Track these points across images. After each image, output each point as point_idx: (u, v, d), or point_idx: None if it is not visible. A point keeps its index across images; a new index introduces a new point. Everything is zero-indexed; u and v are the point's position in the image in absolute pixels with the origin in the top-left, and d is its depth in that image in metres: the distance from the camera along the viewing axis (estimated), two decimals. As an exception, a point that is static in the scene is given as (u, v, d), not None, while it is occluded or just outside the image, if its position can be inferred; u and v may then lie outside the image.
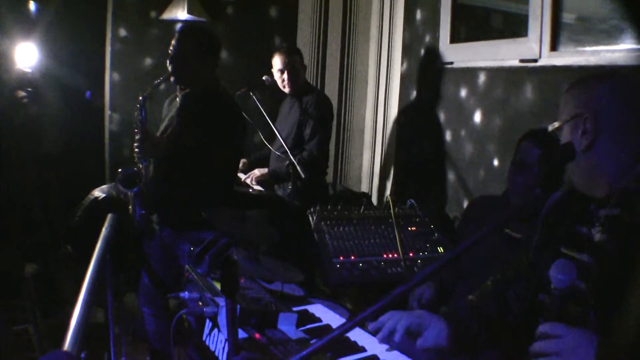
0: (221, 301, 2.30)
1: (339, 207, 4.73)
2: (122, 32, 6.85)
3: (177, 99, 4.75)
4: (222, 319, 2.28)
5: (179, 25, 6.91)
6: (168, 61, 4.62)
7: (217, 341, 2.38)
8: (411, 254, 4.56)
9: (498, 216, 2.36)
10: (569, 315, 2.19)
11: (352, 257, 4.40)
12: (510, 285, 2.66)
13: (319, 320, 2.80)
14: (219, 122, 4.57)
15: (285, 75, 5.99)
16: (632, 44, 3.73)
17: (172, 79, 4.62)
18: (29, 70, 5.70)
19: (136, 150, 4.51)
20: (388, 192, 6.98)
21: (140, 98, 4.53)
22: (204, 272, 2.18)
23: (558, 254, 2.34)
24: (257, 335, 2.27)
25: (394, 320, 2.43)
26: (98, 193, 5.49)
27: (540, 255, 2.48)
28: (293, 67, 5.99)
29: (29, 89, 5.57)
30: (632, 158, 2.23)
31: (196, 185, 4.55)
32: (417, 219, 4.85)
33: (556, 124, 2.42)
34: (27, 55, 5.70)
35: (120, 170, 4.49)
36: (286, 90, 6.09)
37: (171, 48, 4.61)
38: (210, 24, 6.95)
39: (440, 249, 4.71)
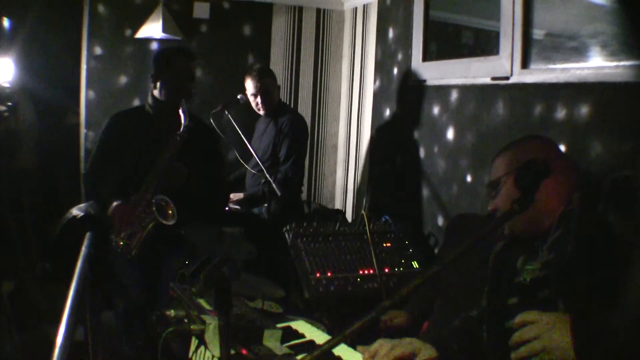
0: (208, 318, 2.34)
1: (315, 224, 4.76)
2: (98, 50, 6.85)
3: None
4: (209, 336, 2.31)
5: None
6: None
7: (204, 359, 2.41)
8: (386, 270, 4.61)
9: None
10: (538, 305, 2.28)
11: (329, 274, 4.44)
12: (479, 322, 2.74)
13: (303, 335, 2.83)
14: None
15: (258, 99, 6.03)
16: (601, 61, 3.79)
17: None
18: (7, 85, 5.67)
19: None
20: (362, 208, 7.01)
21: None
22: (199, 291, 2.21)
23: (522, 269, 2.56)
24: (244, 351, 2.30)
25: (386, 348, 2.47)
26: (76, 211, 5.48)
27: (507, 270, 2.64)
28: (266, 89, 6.03)
29: (9, 104, 5.54)
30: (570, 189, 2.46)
31: None
32: (392, 235, 4.90)
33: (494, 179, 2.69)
34: (4, 70, 5.68)
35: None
36: (261, 112, 6.12)
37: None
38: (185, 42, 6.97)
39: (415, 264, 4.77)
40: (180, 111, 4.66)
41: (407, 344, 2.50)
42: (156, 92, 4.85)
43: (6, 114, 5.29)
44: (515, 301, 2.48)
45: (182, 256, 4.51)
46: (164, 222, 4.42)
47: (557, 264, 2.32)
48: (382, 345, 2.49)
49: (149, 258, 4.59)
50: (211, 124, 5.34)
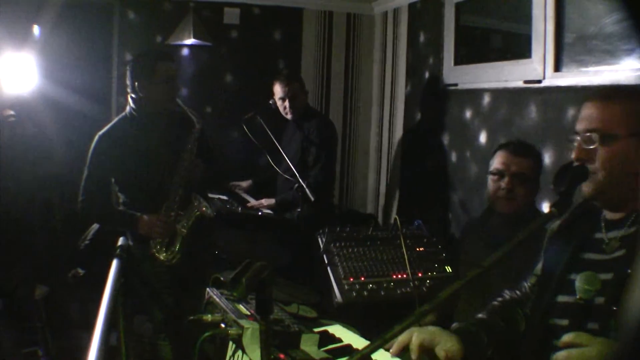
0: (245, 323, 2.34)
1: (348, 228, 4.76)
2: (128, 57, 6.89)
3: None
4: (246, 340, 2.32)
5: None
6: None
7: (241, 363, 2.42)
8: (420, 274, 4.59)
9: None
10: (591, 327, 2.22)
11: (362, 278, 4.44)
12: (518, 303, 2.71)
13: (340, 340, 2.83)
14: None
15: (286, 103, 6.02)
16: (634, 63, 3.77)
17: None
18: (23, 92, 5.70)
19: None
20: (394, 213, 7.00)
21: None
22: (241, 296, 2.22)
23: (579, 260, 2.42)
24: (282, 356, 2.31)
25: (406, 335, 2.44)
26: (108, 216, 5.52)
27: (558, 260, 2.52)
28: (293, 94, 6.02)
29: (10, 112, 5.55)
30: None
31: None
32: (425, 239, 4.88)
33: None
34: (24, 77, 5.70)
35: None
36: (288, 116, 6.11)
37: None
38: (215, 48, 7.01)
39: (448, 269, 4.75)
40: (186, 109, 4.65)
41: (429, 333, 2.43)
42: (143, 96, 4.63)
43: (12, 119, 5.32)
44: (565, 323, 2.36)
45: (213, 260, 4.54)
46: (208, 213, 4.45)
47: (615, 288, 2.21)
48: (407, 335, 2.44)
49: (181, 262, 4.61)
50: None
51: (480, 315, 2.72)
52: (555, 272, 2.49)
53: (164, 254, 4.53)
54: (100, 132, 4.70)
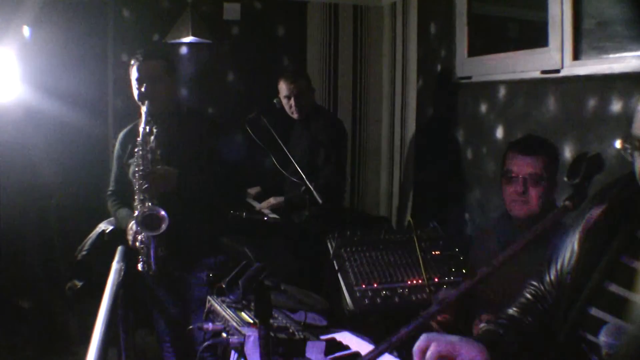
0: (247, 330, 2.36)
1: (359, 232, 4.75)
2: (124, 57, 6.90)
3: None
4: (248, 349, 2.34)
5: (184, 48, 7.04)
6: None
7: (243, 371, 2.44)
8: (436, 279, 4.56)
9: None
10: None
11: (375, 284, 4.43)
12: (549, 297, 2.62)
13: (347, 347, 2.84)
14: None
15: (292, 102, 6.03)
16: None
17: None
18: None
19: (145, 186, 4.43)
20: (408, 214, 7.00)
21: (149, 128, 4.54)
22: (237, 298, 2.23)
23: (617, 264, 2.25)
24: (285, 364, 2.33)
25: (424, 342, 2.35)
26: (105, 225, 5.52)
27: (594, 262, 2.33)
28: (299, 92, 6.02)
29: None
30: None
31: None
32: (441, 242, 4.86)
33: None
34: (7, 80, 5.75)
35: (138, 211, 4.39)
36: (294, 116, 6.11)
37: None
38: (215, 46, 7.03)
39: (466, 272, 4.74)
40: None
41: (450, 342, 2.28)
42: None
43: None
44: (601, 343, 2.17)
45: (209, 267, 4.54)
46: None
47: None
48: (423, 339, 2.36)
49: (175, 271, 4.61)
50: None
51: (509, 311, 2.65)
52: (588, 278, 2.32)
53: (141, 263, 4.55)
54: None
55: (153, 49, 4.70)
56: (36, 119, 6.08)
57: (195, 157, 4.58)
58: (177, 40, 6.95)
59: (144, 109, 4.48)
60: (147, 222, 4.33)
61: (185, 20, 6.85)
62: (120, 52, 6.97)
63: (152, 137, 4.48)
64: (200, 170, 4.55)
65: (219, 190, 4.66)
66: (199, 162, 4.57)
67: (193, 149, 4.61)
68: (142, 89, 4.50)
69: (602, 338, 2.12)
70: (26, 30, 6.13)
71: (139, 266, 4.53)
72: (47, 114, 6.09)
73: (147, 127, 4.46)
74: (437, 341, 2.27)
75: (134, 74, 4.57)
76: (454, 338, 2.30)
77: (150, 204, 4.37)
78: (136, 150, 4.48)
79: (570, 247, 2.49)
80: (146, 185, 4.40)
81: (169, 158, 4.53)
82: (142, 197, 4.44)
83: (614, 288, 2.23)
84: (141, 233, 4.46)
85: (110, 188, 4.96)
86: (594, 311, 2.26)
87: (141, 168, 4.42)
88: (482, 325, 2.52)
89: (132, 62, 4.60)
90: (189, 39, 6.83)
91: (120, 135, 4.94)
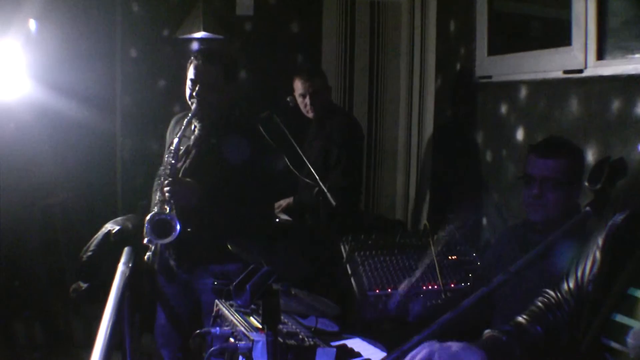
0: (256, 336, 2.37)
1: (373, 236, 4.75)
2: (133, 53, 6.92)
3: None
4: (256, 355, 2.34)
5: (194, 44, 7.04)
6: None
7: (251, 378, 2.44)
8: (452, 284, 4.57)
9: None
10: None
11: (389, 290, 4.43)
12: (566, 305, 2.61)
13: (359, 354, 2.84)
14: None
15: (307, 100, 6.04)
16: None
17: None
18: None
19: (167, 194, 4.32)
20: (424, 218, 6.99)
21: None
22: (245, 303, 2.23)
23: (625, 297, 2.24)
24: (295, 371, 2.33)
25: (426, 354, 2.34)
26: (111, 226, 5.54)
27: (617, 269, 2.33)
28: (315, 90, 6.03)
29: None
30: None
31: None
32: (458, 247, 4.86)
33: None
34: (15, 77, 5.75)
35: (149, 217, 4.26)
36: (309, 115, 6.12)
37: None
38: (227, 41, 7.03)
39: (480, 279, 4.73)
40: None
41: (452, 353, 2.28)
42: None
43: None
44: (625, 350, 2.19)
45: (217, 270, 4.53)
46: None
47: None
48: (423, 348, 2.35)
49: (183, 271, 4.60)
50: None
51: (518, 319, 2.65)
52: (611, 285, 2.32)
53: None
54: None
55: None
56: (41, 116, 6.07)
57: (228, 169, 4.44)
58: (188, 36, 6.93)
59: (193, 106, 4.45)
60: (158, 226, 4.30)
61: (196, 15, 6.84)
62: (128, 47, 6.98)
63: (192, 138, 4.51)
64: (229, 185, 4.43)
65: (248, 211, 4.51)
66: (233, 175, 4.44)
67: (230, 161, 4.46)
68: (194, 93, 4.45)
69: (631, 341, 2.13)
70: (32, 24, 6.13)
71: (146, 257, 4.50)
72: (52, 111, 6.07)
73: (186, 129, 4.45)
74: (439, 352, 2.27)
75: (190, 72, 4.52)
76: (454, 346, 2.30)
77: (168, 208, 4.34)
78: (166, 154, 4.48)
79: (592, 256, 2.47)
80: (168, 194, 4.32)
81: (200, 166, 4.49)
82: (162, 199, 4.37)
83: (639, 294, 2.22)
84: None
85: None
86: (619, 317, 2.25)
87: (167, 172, 4.34)
88: (486, 331, 2.52)
89: (191, 59, 4.54)
90: (200, 34, 6.81)
91: (173, 120, 4.89)
